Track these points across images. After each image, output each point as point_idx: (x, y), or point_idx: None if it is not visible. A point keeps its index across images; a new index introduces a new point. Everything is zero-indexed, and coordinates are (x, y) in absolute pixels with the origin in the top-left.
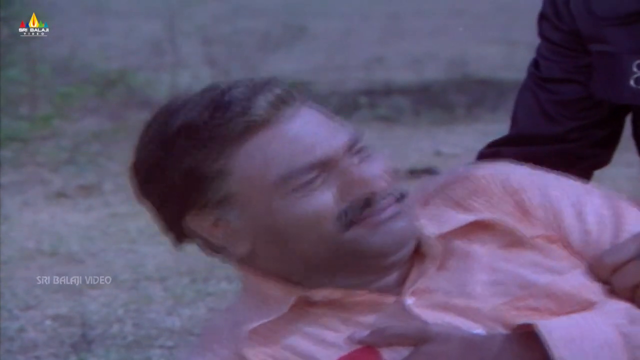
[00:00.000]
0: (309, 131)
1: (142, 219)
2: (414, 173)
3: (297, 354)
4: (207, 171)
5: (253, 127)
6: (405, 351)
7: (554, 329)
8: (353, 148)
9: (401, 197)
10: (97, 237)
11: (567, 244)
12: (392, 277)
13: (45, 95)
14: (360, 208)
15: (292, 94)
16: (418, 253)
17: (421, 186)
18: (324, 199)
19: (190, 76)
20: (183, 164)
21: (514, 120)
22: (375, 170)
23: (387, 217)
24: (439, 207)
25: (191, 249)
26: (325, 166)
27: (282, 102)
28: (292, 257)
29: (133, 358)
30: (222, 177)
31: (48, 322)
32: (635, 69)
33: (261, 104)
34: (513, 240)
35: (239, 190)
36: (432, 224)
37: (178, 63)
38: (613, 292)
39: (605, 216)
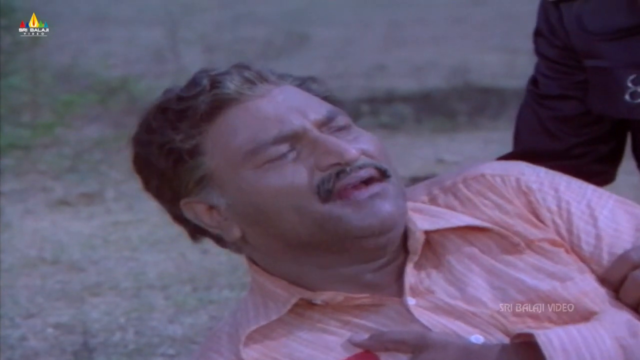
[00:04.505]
0: (279, 107)
1: (144, 227)
2: (416, 181)
3: None
4: (182, 150)
5: (222, 103)
6: (404, 357)
7: (554, 340)
8: (328, 124)
9: (384, 175)
10: (99, 245)
11: (575, 248)
12: (387, 273)
13: (47, 103)
14: (334, 177)
15: (265, 74)
16: (407, 249)
17: (431, 181)
18: (297, 171)
19: None
20: (162, 144)
21: (517, 139)
22: (346, 141)
23: (368, 195)
24: (441, 206)
25: (193, 257)
26: (295, 140)
27: (252, 81)
28: (278, 240)
29: None
30: (197, 155)
31: (50, 330)
32: (629, 84)
33: (231, 80)
34: (514, 244)
35: (214, 169)
36: (425, 220)
37: (180, 71)
38: (617, 299)
39: (621, 220)
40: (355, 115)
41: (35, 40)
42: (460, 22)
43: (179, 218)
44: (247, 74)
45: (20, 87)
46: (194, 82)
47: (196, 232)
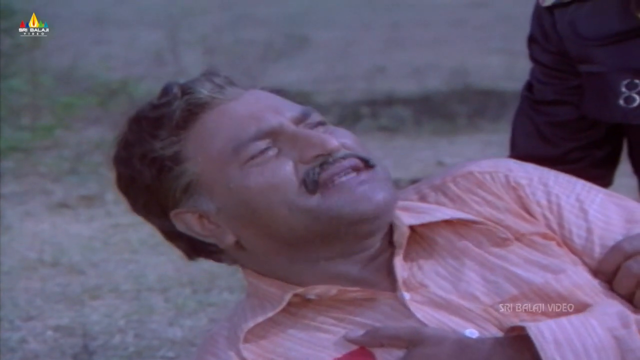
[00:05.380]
0: (253, 107)
1: (143, 230)
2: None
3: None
4: (164, 157)
5: (196, 108)
6: (399, 352)
7: (545, 331)
8: (304, 121)
9: (368, 164)
10: (99, 247)
11: (566, 241)
12: (376, 268)
13: (47, 105)
14: (318, 168)
15: (234, 80)
16: (393, 243)
17: (421, 182)
18: (281, 166)
19: None
20: (143, 155)
21: (513, 144)
22: (325, 133)
23: (356, 181)
24: (431, 204)
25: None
26: (274, 136)
27: (222, 86)
28: (273, 239)
29: None
30: (179, 162)
31: (49, 333)
32: (623, 89)
33: (202, 86)
34: (503, 239)
35: (199, 174)
36: (412, 216)
37: (180, 73)
38: (610, 289)
39: (611, 213)
40: (355, 118)
41: (35, 42)
42: (460, 24)
43: (172, 235)
44: (216, 79)
45: (20, 90)
46: (164, 91)
47: (191, 248)
